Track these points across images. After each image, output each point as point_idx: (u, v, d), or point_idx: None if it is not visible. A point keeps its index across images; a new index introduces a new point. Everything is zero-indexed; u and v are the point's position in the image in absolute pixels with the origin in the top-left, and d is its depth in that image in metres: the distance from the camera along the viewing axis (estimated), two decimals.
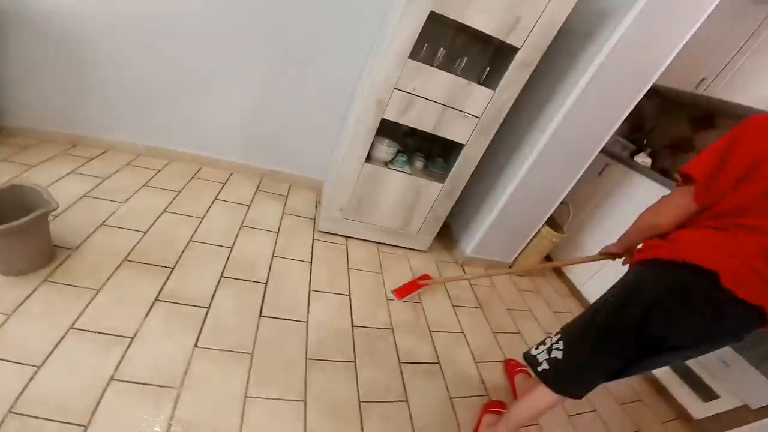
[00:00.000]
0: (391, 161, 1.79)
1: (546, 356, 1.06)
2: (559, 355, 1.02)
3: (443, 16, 1.36)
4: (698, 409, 1.62)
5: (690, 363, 1.66)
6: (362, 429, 1.15)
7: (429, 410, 1.30)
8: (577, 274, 2.30)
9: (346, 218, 1.87)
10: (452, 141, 1.68)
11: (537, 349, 1.10)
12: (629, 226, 1.08)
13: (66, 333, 1.12)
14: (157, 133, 2.10)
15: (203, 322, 1.29)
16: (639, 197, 2.03)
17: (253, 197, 2.08)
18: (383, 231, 1.97)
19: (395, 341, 1.51)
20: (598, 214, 2.23)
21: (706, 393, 1.60)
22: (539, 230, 2.12)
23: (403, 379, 1.37)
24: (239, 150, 2.20)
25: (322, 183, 2.32)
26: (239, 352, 1.25)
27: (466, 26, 1.40)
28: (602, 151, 1.84)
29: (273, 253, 1.73)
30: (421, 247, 2.10)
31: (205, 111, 2.05)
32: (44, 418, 0.92)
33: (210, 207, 1.88)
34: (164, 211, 1.75)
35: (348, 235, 2.00)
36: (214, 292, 1.42)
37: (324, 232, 1.96)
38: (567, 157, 1.79)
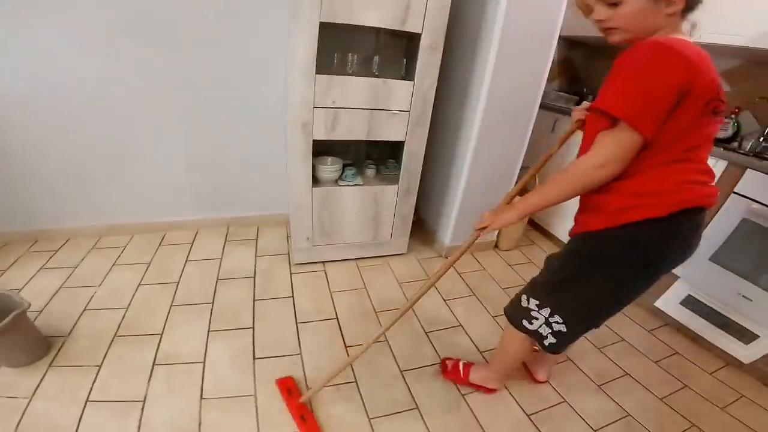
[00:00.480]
0: (340, 177, 1.81)
1: (549, 330, 1.08)
2: (562, 328, 1.05)
3: (335, 23, 1.39)
4: (743, 352, 1.57)
5: (714, 306, 1.64)
6: None
7: (440, 410, 1.31)
8: (565, 230, 2.30)
9: (316, 245, 1.90)
10: (393, 141, 1.71)
11: (532, 324, 1.11)
12: (545, 190, 0.94)
13: (84, 406, 1.22)
14: (111, 210, 2.13)
15: (203, 376, 1.35)
16: None
17: (223, 249, 2.10)
18: (357, 246, 1.99)
19: (392, 352, 1.52)
20: (563, 167, 2.25)
21: (743, 334, 1.57)
22: (512, 201, 2.14)
23: (408, 386, 1.39)
24: (197, 206, 2.23)
25: (287, 217, 2.36)
26: (242, 395, 1.29)
27: (367, 26, 1.43)
28: (547, 108, 1.88)
29: (254, 297, 1.75)
30: (400, 251, 2.11)
31: (148, 178, 2.08)
32: None
33: (183, 269, 1.91)
34: (140, 284, 1.79)
35: (323, 260, 2.02)
36: (206, 346, 1.47)
37: (299, 263, 1.98)
38: (508, 122, 1.82)
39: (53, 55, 1.70)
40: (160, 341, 1.48)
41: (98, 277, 1.84)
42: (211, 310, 1.66)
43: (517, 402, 1.36)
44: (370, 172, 1.87)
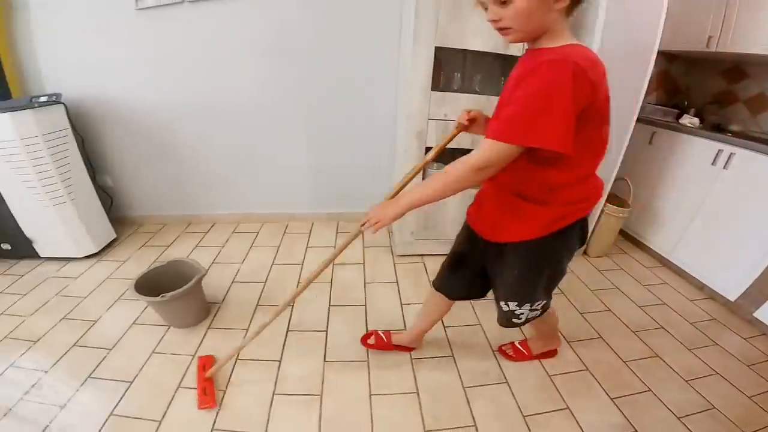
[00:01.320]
0: None
1: (534, 314, 1.32)
2: (538, 307, 1.30)
3: (448, 48, 1.73)
4: None
5: None
6: (471, 410, 1.44)
7: (532, 390, 1.53)
8: (660, 241, 2.41)
9: (418, 239, 2.24)
10: None
11: (520, 319, 1.32)
12: (428, 187, 1.02)
13: (235, 364, 1.60)
14: (247, 202, 2.70)
15: (326, 343, 1.73)
16: (691, 155, 2.17)
17: (336, 238, 2.55)
18: (451, 243, 2.28)
19: (485, 334, 1.80)
20: (660, 179, 2.35)
21: None
22: (602, 209, 2.30)
23: (498, 363, 1.65)
24: (313, 202, 2.72)
25: None
26: (358, 360, 1.63)
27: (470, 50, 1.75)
28: (644, 121, 2.02)
29: (364, 280, 2.14)
30: None
31: (277, 176, 2.61)
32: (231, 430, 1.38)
33: (305, 254, 2.38)
34: (273, 263, 2.28)
35: (422, 254, 2.35)
36: (328, 318, 1.87)
37: (401, 255, 2.34)
38: None
39: (210, 70, 2.28)
40: (291, 312, 1.89)
41: (240, 255, 2.37)
42: (330, 288, 2.07)
43: (601, 386, 1.55)
44: None
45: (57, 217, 2.13)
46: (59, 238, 2.24)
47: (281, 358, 1.64)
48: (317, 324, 1.83)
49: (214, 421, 1.36)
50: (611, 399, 1.50)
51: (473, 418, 1.41)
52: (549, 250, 1.14)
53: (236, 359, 1.62)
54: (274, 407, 1.42)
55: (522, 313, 1.30)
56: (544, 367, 1.64)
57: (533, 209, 1.05)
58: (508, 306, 1.29)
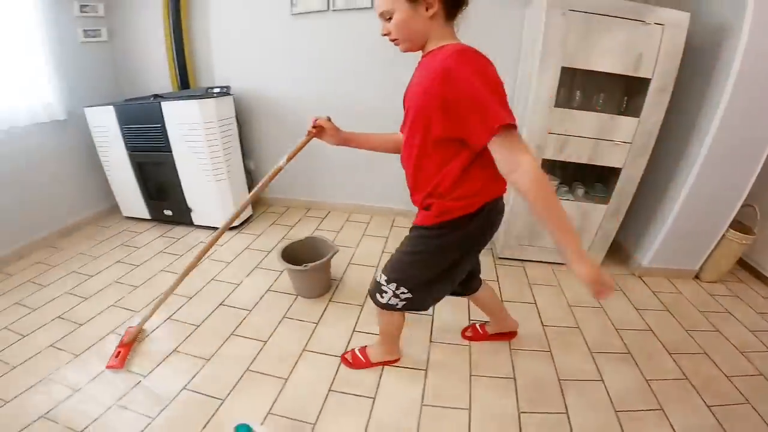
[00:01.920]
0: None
1: (398, 300, 1.38)
2: (409, 296, 1.36)
3: (573, 68, 1.89)
4: None
5: None
6: (564, 399, 1.59)
7: (627, 390, 1.64)
8: None
9: (522, 244, 2.42)
10: (609, 166, 2.10)
11: (383, 297, 1.40)
12: (561, 213, 0.96)
13: (352, 334, 1.91)
14: (361, 194, 3.07)
15: (432, 324, 1.97)
16: None
17: None
18: (554, 252, 2.42)
19: (584, 338, 1.92)
20: None
21: None
22: (724, 234, 2.29)
23: (595, 362, 1.78)
24: None
25: None
26: (460, 344, 1.85)
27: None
28: None
29: None
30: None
31: (390, 174, 2.91)
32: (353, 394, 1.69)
33: None
34: (383, 251, 2.60)
35: (524, 259, 2.52)
36: (434, 307, 2.11)
37: (502, 258, 2.53)
38: (736, 157, 1.99)
39: (344, 72, 2.70)
40: None
41: (354, 241, 2.72)
42: None
43: (698, 394, 1.59)
44: (580, 191, 2.30)
45: (216, 191, 2.65)
46: (212, 210, 2.77)
47: (350, 338, 1.91)
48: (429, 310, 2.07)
49: (332, 383, 1.65)
50: (707, 406, 1.57)
51: (566, 406, 1.57)
52: (429, 238, 1.26)
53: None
54: (383, 377, 1.69)
55: (386, 292, 1.39)
56: (641, 371, 1.74)
57: (431, 200, 1.20)
58: (380, 278, 1.41)
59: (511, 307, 2.08)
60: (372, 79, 2.67)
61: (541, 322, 2.01)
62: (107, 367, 1.71)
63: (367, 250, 2.62)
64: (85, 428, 1.43)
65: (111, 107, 2.60)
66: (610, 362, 1.79)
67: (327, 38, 2.64)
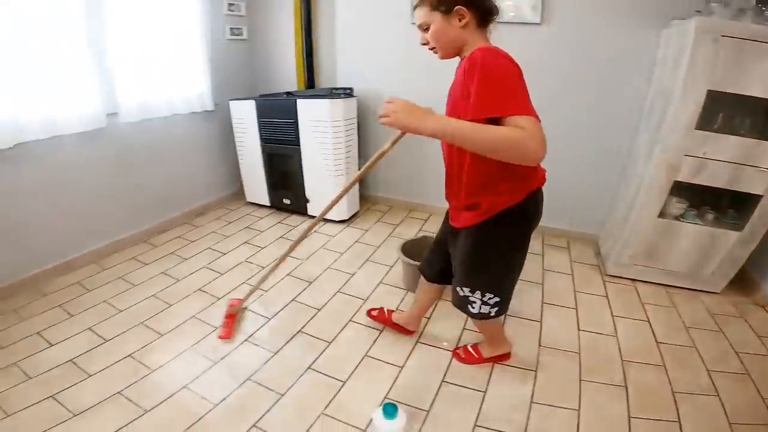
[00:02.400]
0: (681, 215, 2.29)
1: (489, 307, 1.49)
2: (497, 299, 1.47)
3: (721, 92, 1.90)
4: None
5: None
6: (677, 409, 1.63)
7: (744, 407, 1.65)
8: None
9: (636, 263, 2.44)
10: (747, 193, 2.06)
11: (474, 308, 1.50)
12: (481, 130, 1.01)
13: (462, 331, 2.04)
14: None
15: (540, 331, 2.07)
16: None
17: (543, 248, 2.89)
18: (671, 274, 2.40)
19: (700, 356, 1.92)
20: None
21: None
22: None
23: (711, 380, 1.79)
24: None
25: (594, 236, 2.94)
26: (570, 351, 1.94)
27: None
28: None
29: (573, 288, 2.44)
30: (714, 289, 2.40)
31: None
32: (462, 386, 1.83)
33: None
34: None
35: (635, 278, 2.52)
36: (541, 312, 2.21)
37: (612, 275, 2.55)
38: None
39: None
40: None
41: None
42: (542, 288, 2.41)
43: None
44: (710, 216, 2.28)
45: (333, 185, 2.92)
46: (327, 202, 3.03)
47: (461, 333, 2.04)
48: (532, 314, 2.19)
49: (445, 372, 1.80)
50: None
51: (678, 415, 1.60)
52: (488, 236, 1.36)
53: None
54: (493, 374, 1.81)
55: (475, 302, 1.49)
56: (759, 391, 1.73)
57: (481, 199, 1.30)
58: (462, 291, 1.50)
59: (621, 322, 2.16)
60: None
61: (655, 339, 2.04)
62: (219, 337, 1.96)
63: None
64: (221, 401, 1.63)
65: (252, 101, 2.97)
66: (726, 380, 1.79)
67: None
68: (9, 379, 1.70)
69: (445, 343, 1.96)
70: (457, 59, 1.27)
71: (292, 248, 1.98)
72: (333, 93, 2.88)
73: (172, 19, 2.71)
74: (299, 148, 2.92)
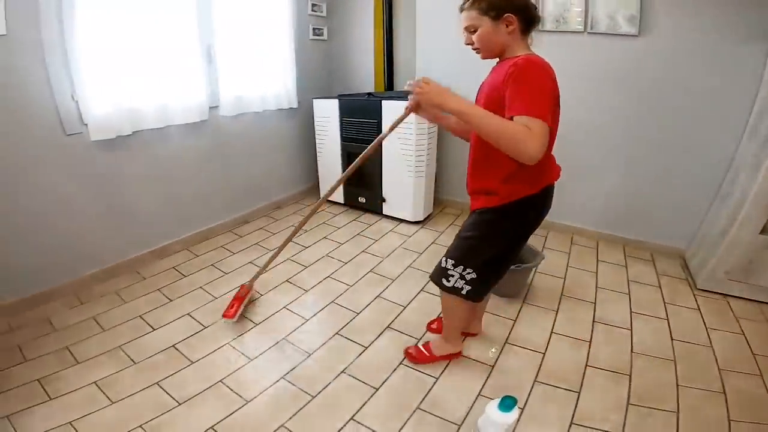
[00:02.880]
0: None
1: (464, 281, 1.56)
2: (473, 276, 1.54)
3: None
4: None
5: None
6: None
7: None
8: None
9: (731, 279, 2.42)
10: None
11: (449, 281, 1.59)
12: (489, 117, 1.19)
13: (550, 335, 2.09)
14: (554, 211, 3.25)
15: (631, 340, 2.08)
16: None
17: (625, 260, 2.88)
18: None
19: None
20: None
21: None
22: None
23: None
24: (604, 221, 3.11)
25: (679, 249, 2.91)
26: (665, 358, 1.95)
27: None
28: None
29: (663, 299, 2.44)
30: None
31: (578, 189, 3.05)
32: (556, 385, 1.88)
33: (597, 265, 2.79)
34: (567, 266, 2.76)
35: (729, 294, 2.49)
36: (630, 320, 2.22)
37: (703, 289, 2.53)
38: None
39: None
40: (594, 307, 2.31)
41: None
42: (629, 297, 2.42)
43: None
44: None
45: (411, 186, 3.04)
46: (403, 203, 3.16)
47: (590, 339, 2.07)
48: (622, 321, 2.22)
49: (537, 373, 1.85)
50: None
51: None
52: (496, 220, 1.48)
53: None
54: (587, 375, 1.85)
55: (453, 275, 1.58)
56: None
57: (496, 185, 1.42)
58: (446, 263, 1.60)
59: (715, 333, 2.16)
60: (575, 99, 2.81)
61: (751, 351, 2.03)
62: (223, 316, 2.07)
63: (551, 262, 2.77)
64: (318, 392, 1.72)
65: (336, 100, 3.14)
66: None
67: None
68: (115, 364, 1.85)
69: (492, 350, 2.00)
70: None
71: (297, 230, 2.13)
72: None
73: (266, 18, 2.92)
74: (380, 148, 3.05)
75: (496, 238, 1.51)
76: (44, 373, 1.77)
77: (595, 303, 2.36)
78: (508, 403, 1.39)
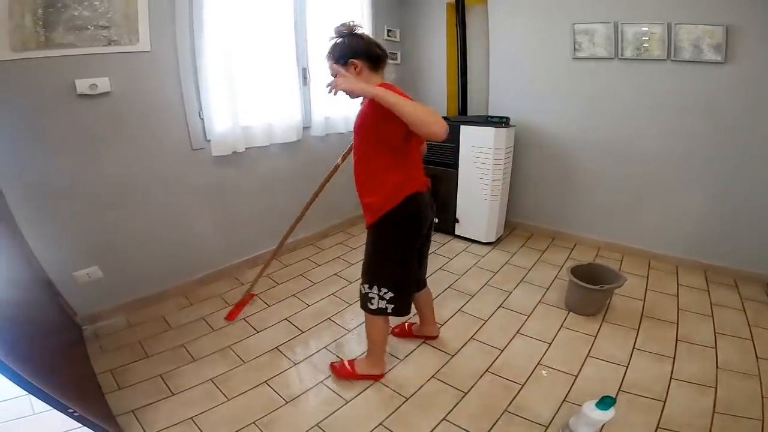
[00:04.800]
0: None
1: (385, 302, 1.81)
2: (391, 294, 1.80)
3: None
4: None
5: None
6: None
7: None
8: None
9: None
10: None
11: (372, 304, 1.83)
12: (405, 102, 1.42)
13: (632, 352, 2.35)
14: (615, 232, 3.56)
15: (716, 359, 2.31)
16: None
17: (707, 285, 3.12)
18: None
19: None
20: None
21: None
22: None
23: None
24: (684, 246, 3.36)
25: (766, 276, 3.11)
26: (747, 373, 2.18)
27: None
28: None
29: (748, 322, 2.65)
30: None
31: (655, 215, 3.35)
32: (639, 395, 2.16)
33: (677, 289, 3.04)
34: (646, 289, 3.03)
35: None
36: (715, 340, 2.48)
37: None
38: None
39: (620, 116, 3.28)
40: (677, 327, 2.57)
41: None
42: (713, 319, 2.67)
43: None
44: None
45: (486, 209, 3.44)
46: (476, 225, 3.56)
47: (674, 355, 2.33)
48: (704, 340, 2.47)
49: (620, 385, 2.14)
50: None
51: None
52: (379, 234, 1.77)
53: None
54: (672, 386, 2.11)
55: (373, 297, 1.82)
56: None
57: (372, 200, 1.71)
58: (363, 288, 1.86)
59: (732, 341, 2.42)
60: (655, 126, 3.20)
61: None
62: (225, 318, 2.59)
63: (629, 286, 2.99)
64: (412, 394, 2.03)
65: None
66: None
67: (608, 84, 3.27)
68: (227, 362, 2.22)
69: (544, 372, 2.23)
70: None
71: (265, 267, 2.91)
72: (490, 121, 3.44)
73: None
74: (456, 171, 3.50)
75: (386, 251, 1.80)
76: (165, 369, 2.15)
77: (677, 323, 2.63)
78: (607, 401, 1.65)
